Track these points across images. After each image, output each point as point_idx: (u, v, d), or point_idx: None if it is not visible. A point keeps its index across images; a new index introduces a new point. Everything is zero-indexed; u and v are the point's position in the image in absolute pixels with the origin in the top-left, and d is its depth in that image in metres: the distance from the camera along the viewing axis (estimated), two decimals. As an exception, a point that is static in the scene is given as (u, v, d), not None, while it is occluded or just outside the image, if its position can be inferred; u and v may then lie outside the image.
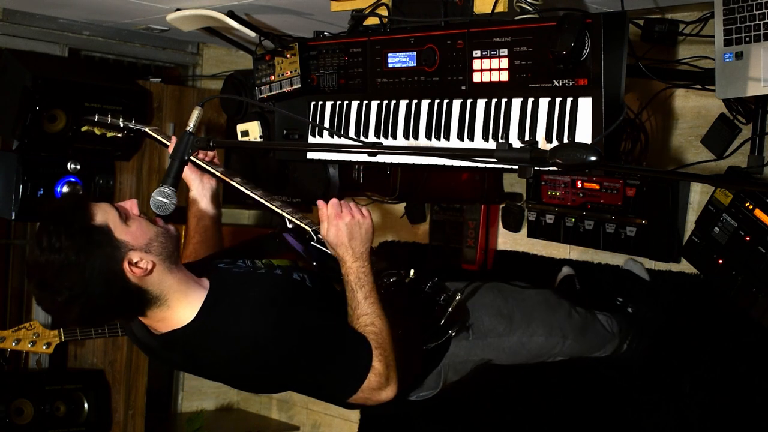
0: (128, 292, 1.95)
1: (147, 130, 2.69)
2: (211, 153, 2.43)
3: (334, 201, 2.12)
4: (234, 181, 2.37)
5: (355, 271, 2.07)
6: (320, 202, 2.13)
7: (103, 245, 1.91)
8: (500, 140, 2.25)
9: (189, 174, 2.40)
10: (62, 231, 1.89)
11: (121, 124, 2.82)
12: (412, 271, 2.27)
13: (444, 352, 2.33)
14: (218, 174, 2.40)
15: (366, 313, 2.04)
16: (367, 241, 2.10)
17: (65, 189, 3.49)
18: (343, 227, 2.08)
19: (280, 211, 2.27)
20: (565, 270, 3.30)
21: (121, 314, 2.09)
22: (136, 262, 1.93)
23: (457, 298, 2.24)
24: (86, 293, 1.90)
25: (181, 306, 2.00)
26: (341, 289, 2.14)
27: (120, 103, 3.47)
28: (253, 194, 2.33)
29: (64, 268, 1.88)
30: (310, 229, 2.22)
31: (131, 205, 2.02)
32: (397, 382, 2.03)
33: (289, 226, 2.27)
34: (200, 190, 2.43)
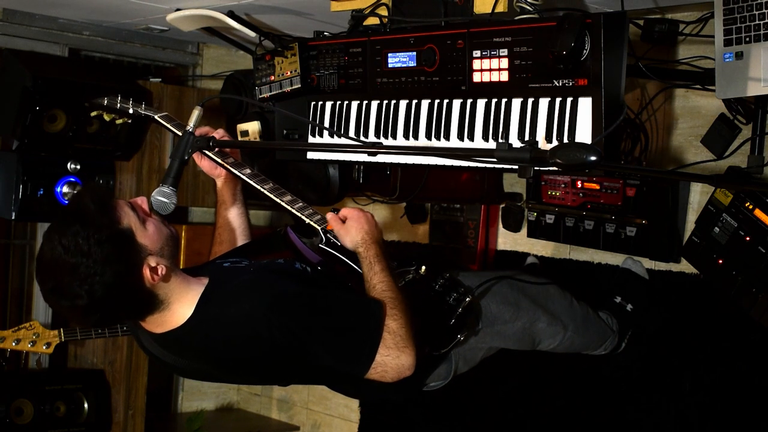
0: (139, 296, 1.95)
1: (156, 117, 2.57)
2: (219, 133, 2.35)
3: (330, 215, 2.17)
4: (243, 174, 2.32)
5: (373, 254, 2.11)
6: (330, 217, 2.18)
7: (129, 252, 1.91)
8: (500, 140, 2.25)
9: (208, 167, 2.40)
10: (91, 236, 1.86)
11: (131, 110, 2.65)
12: (423, 268, 2.26)
13: None
14: (222, 163, 2.35)
15: (382, 281, 2.07)
16: (371, 230, 2.15)
17: (66, 189, 3.49)
18: (351, 229, 2.13)
19: (289, 208, 2.24)
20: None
21: (124, 318, 2.10)
22: (154, 267, 1.94)
23: (467, 299, 2.22)
24: (104, 298, 1.88)
25: (180, 306, 2.00)
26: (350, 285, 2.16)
27: (120, 102, 3.47)
28: (261, 188, 2.29)
29: (89, 275, 1.85)
30: (319, 228, 2.20)
31: (143, 202, 2.03)
32: (414, 349, 1.99)
33: (306, 220, 2.23)
34: (220, 182, 2.41)
